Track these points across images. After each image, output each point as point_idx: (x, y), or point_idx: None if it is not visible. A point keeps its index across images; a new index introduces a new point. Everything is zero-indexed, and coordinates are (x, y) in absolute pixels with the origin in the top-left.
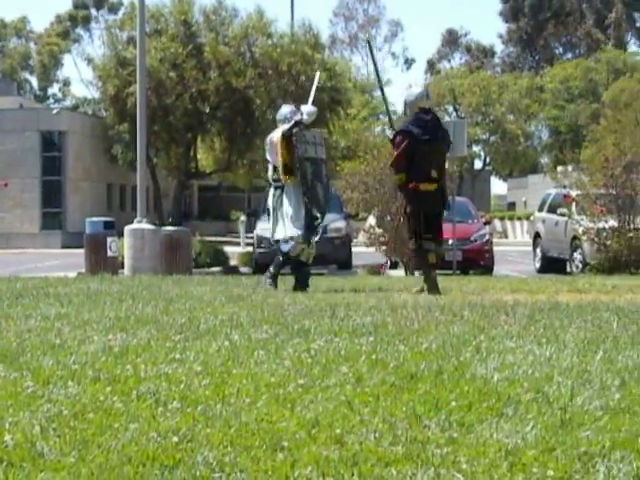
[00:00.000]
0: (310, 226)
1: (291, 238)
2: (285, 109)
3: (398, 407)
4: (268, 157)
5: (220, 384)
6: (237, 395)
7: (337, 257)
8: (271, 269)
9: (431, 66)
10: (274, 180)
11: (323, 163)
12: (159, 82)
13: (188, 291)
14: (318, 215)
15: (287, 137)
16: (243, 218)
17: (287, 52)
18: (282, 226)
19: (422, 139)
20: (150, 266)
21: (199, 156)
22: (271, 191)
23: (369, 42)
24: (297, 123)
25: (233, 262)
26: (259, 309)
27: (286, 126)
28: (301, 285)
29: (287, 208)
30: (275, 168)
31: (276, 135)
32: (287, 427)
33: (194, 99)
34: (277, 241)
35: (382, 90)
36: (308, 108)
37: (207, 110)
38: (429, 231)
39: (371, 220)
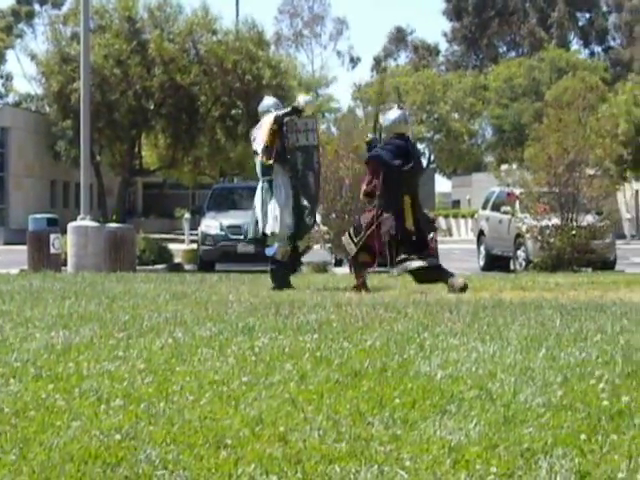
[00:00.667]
0: (300, 219)
1: (272, 234)
2: (268, 101)
3: (342, 404)
4: (255, 147)
5: (163, 382)
6: (180, 393)
7: None
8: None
9: (378, 63)
10: (262, 174)
11: (315, 150)
12: (103, 78)
13: (132, 288)
14: (307, 205)
15: (279, 123)
16: (187, 215)
17: (232, 49)
18: (270, 220)
19: (393, 165)
20: (93, 263)
21: (143, 153)
22: (259, 185)
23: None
24: (295, 110)
25: (177, 259)
26: (203, 307)
27: (281, 111)
28: (276, 284)
29: (276, 202)
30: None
31: (267, 119)
32: (230, 425)
33: (138, 96)
34: (264, 234)
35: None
36: (306, 97)
37: (151, 107)
38: (402, 252)
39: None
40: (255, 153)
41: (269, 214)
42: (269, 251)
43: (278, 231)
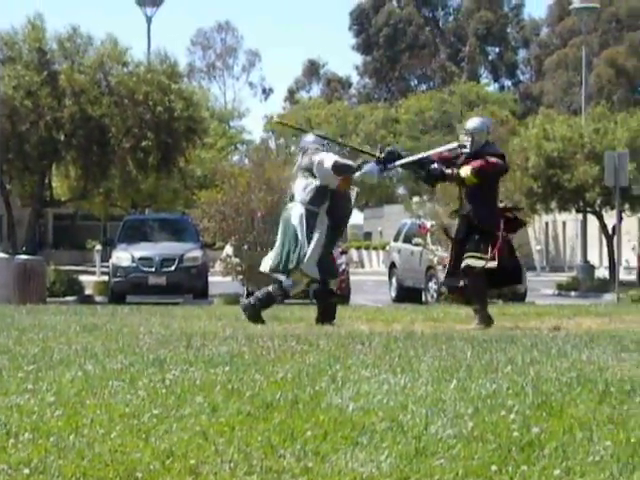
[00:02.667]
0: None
1: (298, 271)
2: (309, 137)
3: (253, 437)
4: (326, 162)
5: (73, 415)
6: (91, 426)
7: (193, 286)
8: (258, 296)
9: (291, 95)
10: (309, 203)
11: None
12: (13, 109)
13: (42, 321)
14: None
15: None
16: (99, 247)
17: (143, 81)
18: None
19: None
20: (3, 295)
21: (54, 184)
22: (302, 212)
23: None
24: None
25: (88, 291)
26: (114, 339)
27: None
28: (327, 318)
29: (313, 238)
30: (317, 189)
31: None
32: (141, 458)
33: (49, 127)
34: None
35: None
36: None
37: (62, 138)
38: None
39: (228, 249)
40: (307, 171)
41: (301, 246)
42: (286, 282)
43: (305, 270)
